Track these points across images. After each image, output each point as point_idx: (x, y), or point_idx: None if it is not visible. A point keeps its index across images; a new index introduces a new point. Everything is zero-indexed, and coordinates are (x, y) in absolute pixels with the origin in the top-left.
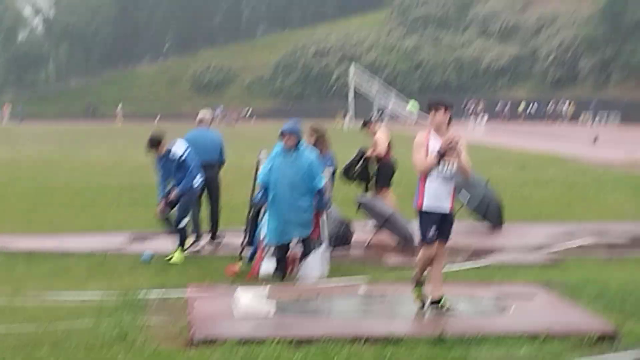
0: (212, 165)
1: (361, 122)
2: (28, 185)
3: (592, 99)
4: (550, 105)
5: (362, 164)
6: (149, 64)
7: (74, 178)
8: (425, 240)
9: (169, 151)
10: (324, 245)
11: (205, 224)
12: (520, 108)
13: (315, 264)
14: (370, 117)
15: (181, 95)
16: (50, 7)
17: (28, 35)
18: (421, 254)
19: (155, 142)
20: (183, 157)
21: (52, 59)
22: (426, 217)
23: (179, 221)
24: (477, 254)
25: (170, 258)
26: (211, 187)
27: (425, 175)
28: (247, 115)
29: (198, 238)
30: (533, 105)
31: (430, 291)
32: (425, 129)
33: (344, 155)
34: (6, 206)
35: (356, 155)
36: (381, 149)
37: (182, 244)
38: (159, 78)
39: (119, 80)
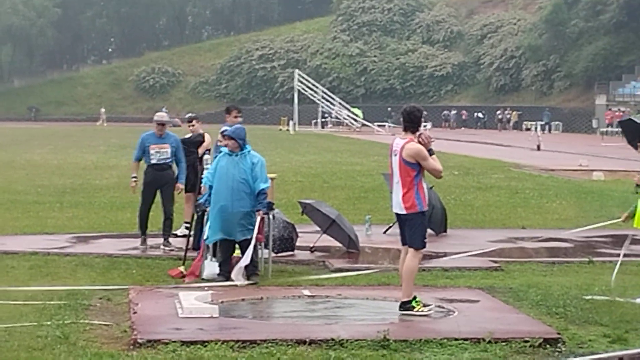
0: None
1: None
2: None
3: (536, 107)
4: (498, 113)
5: None
6: (93, 66)
7: (15, 179)
8: (424, 246)
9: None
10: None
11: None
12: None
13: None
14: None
15: (125, 97)
16: None
17: None
18: (418, 261)
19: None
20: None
21: None
22: (425, 220)
23: None
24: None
25: None
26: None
27: (422, 177)
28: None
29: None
30: (478, 114)
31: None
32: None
33: (290, 159)
34: None
35: None
36: None
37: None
38: (103, 80)
39: (62, 82)
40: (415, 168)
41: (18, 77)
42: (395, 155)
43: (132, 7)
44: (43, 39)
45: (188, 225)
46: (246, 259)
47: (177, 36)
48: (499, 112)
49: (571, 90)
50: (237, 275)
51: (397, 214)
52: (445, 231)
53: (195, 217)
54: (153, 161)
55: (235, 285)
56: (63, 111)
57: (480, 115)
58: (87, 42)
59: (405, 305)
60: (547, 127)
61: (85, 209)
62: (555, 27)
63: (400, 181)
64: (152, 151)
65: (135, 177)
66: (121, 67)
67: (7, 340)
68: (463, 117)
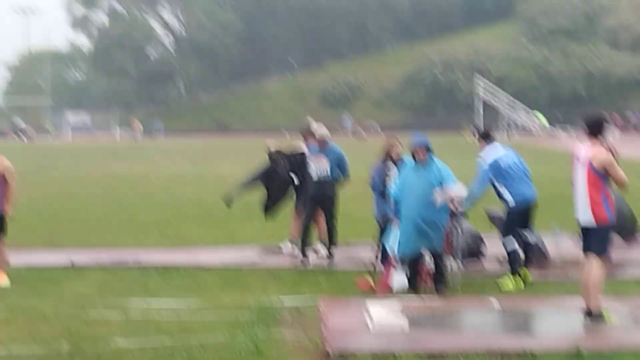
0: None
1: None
2: (161, 201)
3: None
4: None
5: None
6: (277, 79)
7: (206, 192)
8: (609, 255)
9: None
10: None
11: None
12: None
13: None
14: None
15: (309, 109)
16: (180, 25)
17: (159, 53)
18: (603, 270)
19: None
20: None
21: (182, 75)
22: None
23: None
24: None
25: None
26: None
27: (609, 186)
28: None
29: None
30: None
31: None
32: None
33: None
34: (139, 220)
35: None
36: None
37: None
38: (287, 93)
39: (247, 96)
40: (602, 176)
41: (204, 92)
42: (580, 161)
43: (314, 19)
44: (228, 55)
45: (295, 241)
46: (441, 272)
47: (358, 46)
48: None
49: None
50: (434, 287)
51: (582, 223)
52: (634, 238)
53: (380, 229)
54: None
55: (425, 298)
56: (249, 124)
57: None
58: (271, 56)
59: (594, 315)
60: None
61: (273, 220)
62: None
63: (585, 190)
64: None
65: None
66: (304, 80)
67: (202, 353)
68: None
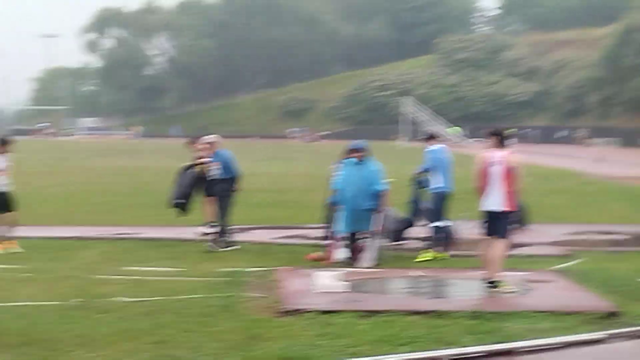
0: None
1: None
2: (155, 188)
3: (598, 127)
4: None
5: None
6: (247, 95)
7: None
8: (510, 237)
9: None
10: (377, 238)
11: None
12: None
13: (371, 252)
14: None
15: (272, 119)
16: (172, 49)
17: (154, 71)
18: (505, 248)
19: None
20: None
21: (172, 90)
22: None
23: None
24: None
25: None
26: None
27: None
28: (322, 135)
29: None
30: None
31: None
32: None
33: (399, 168)
34: (137, 204)
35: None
36: None
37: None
38: (255, 106)
39: (223, 107)
40: (511, 175)
41: (190, 104)
42: (496, 164)
43: (277, 48)
44: (209, 74)
45: (214, 224)
46: (372, 248)
47: (312, 71)
48: (578, 130)
49: (627, 113)
50: (365, 260)
51: (490, 211)
52: (527, 225)
53: (328, 213)
54: None
55: (361, 267)
56: (224, 130)
57: (564, 133)
58: (243, 76)
59: (494, 284)
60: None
61: (243, 206)
62: (613, 63)
63: (500, 185)
64: None
65: None
66: (269, 96)
67: (185, 308)
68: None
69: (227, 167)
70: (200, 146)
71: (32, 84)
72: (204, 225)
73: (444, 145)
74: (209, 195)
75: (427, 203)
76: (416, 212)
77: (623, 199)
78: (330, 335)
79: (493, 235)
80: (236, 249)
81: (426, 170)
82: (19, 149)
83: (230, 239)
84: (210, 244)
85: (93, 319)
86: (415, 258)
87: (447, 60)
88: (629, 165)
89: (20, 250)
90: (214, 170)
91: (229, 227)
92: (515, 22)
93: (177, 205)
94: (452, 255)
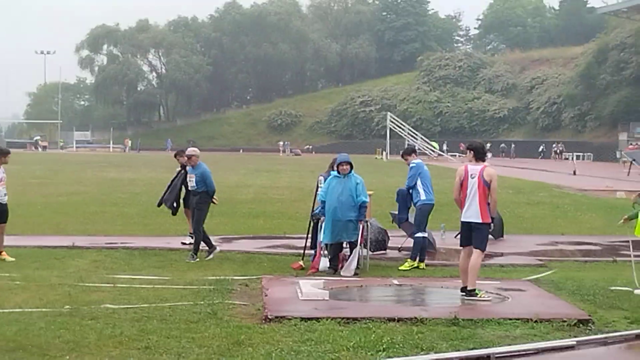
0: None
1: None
2: (144, 199)
3: (573, 141)
4: (553, 146)
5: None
6: (235, 110)
7: None
8: (485, 248)
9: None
10: (359, 248)
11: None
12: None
13: (353, 261)
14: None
15: (260, 133)
16: (162, 65)
17: (145, 87)
18: (481, 259)
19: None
20: None
21: (163, 104)
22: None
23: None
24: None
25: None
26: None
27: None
28: (307, 149)
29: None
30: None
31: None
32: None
33: (384, 180)
34: (126, 214)
35: None
36: None
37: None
38: (243, 120)
39: (212, 121)
40: (488, 187)
41: (179, 118)
42: (474, 177)
43: (265, 65)
44: (198, 89)
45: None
46: (354, 258)
47: (298, 87)
48: (554, 145)
49: (600, 129)
50: (347, 269)
51: (468, 222)
52: (502, 236)
53: (312, 224)
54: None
55: (343, 276)
56: (213, 143)
57: (540, 147)
58: (231, 92)
59: (471, 293)
60: (581, 157)
61: (229, 217)
62: (588, 80)
63: (477, 197)
64: None
65: None
66: (257, 110)
67: (171, 315)
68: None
69: (202, 180)
70: (183, 158)
71: (28, 98)
72: (186, 235)
73: (420, 161)
74: (186, 206)
75: (410, 215)
76: (400, 220)
77: (595, 211)
78: (311, 342)
79: (470, 246)
80: (210, 259)
81: (412, 187)
82: (12, 161)
83: (198, 249)
84: (190, 254)
85: (82, 325)
86: (398, 267)
87: (428, 77)
88: (601, 178)
89: (11, 259)
90: (191, 183)
91: (201, 238)
92: (494, 41)
93: (170, 207)
94: (429, 265)
